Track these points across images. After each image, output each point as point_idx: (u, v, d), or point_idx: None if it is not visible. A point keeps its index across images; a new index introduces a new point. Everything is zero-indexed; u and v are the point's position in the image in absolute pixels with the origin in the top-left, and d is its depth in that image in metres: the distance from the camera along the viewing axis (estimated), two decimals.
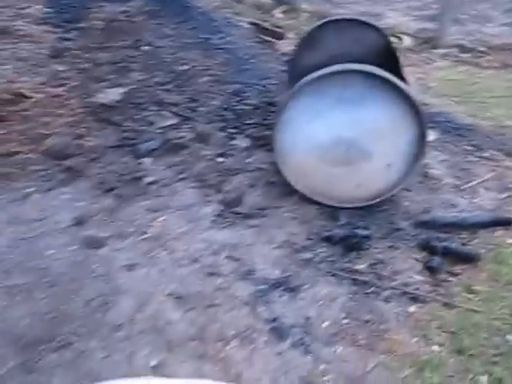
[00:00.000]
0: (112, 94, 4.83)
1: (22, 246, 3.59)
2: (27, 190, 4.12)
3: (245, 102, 4.96)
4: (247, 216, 3.87)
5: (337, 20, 4.65)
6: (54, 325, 2.99)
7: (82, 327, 2.98)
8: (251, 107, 4.91)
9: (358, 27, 4.59)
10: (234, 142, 4.64)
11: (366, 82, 3.49)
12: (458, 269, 3.39)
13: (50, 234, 3.71)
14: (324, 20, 4.61)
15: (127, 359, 2.80)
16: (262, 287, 3.26)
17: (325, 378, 2.72)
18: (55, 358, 2.80)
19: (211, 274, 3.35)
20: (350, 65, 3.54)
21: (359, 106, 3.57)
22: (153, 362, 2.79)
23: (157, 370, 2.74)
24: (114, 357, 2.81)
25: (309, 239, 3.64)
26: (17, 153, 4.38)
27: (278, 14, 7.37)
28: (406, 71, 4.76)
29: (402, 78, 3.97)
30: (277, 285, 3.27)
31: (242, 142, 4.62)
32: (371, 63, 3.69)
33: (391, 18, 7.90)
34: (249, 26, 6.31)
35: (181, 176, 4.29)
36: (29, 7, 5.88)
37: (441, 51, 7.13)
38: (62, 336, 2.91)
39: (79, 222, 3.80)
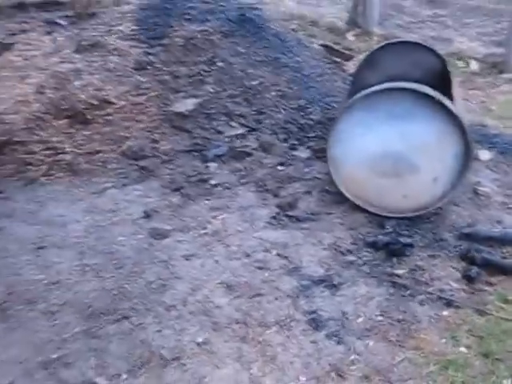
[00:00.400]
0: (187, 104, 5.27)
1: (97, 232, 4.05)
2: (105, 185, 4.62)
3: (308, 116, 5.26)
4: (299, 219, 4.15)
5: (397, 43, 4.89)
6: (116, 300, 3.38)
7: (141, 304, 3.35)
8: (314, 122, 5.21)
9: (416, 50, 4.80)
10: (294, 152, 4.95)
11: (414, 99, 3.72)
12: (494, 280, 3.51)
13: (122, 224, 4.16)
14: (385, 42, 4.87)
15: (177, 334, 3.14)
16: (306, 283, 3.52)
17: (353, 367, 2.94)
18: (114, 328, 3.18)
19: (260, 268, 3.66)
20: (400, 83, 3.78)
21: (408, 122, 3.80)
22: (199, 339, 3.11)
23: (202, 347, 3.06)
24: (166, 331, 3.16)
25: (354, 244, 3.87)
26: (99, 152, 4.91)
27: (350, 36, 7.66)
28: (469, 94, 4.93)
29: (451, 99, 4.14)
30: (319, 282, 3.53)
31: (302, 153, 4.92)
32: (426, 84, 3.91)
33: (460, 43, 7.99)
34: (319, 47, 6.63)
35: (242, 180, 4.64)
36: (120, 25, 6.50)
37: (507, 76, 7.16)
38: (122, 310, 3.30)
39: (148, 215, 4.22)
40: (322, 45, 6.64)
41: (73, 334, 3.15)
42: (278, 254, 3.79)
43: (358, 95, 3.86)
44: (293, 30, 7.24)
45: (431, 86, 3.87)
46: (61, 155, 4.84)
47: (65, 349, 3.04)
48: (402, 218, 4.04)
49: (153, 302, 3.38)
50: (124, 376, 2.90)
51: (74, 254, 3.81)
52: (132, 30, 6.31)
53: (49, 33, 7.54)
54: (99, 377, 2.89)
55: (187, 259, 3.76)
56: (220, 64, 5.59)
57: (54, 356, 3.00)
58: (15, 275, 3.60)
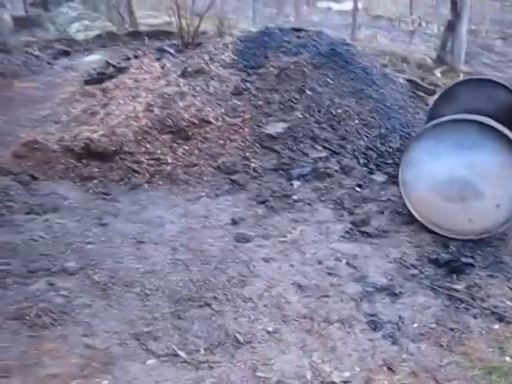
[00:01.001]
0: (277, 127, 5.82)
1: (189, 233, 4.63)
2: (200, 194, 5.23)
3: (388, 144, 5.65)
4: (370, 235, 4.54)
5: (475, 79, 5.20)
6: (201, 290, 3.91)
7: (222, 295, 3.85)
8: (392, 150, 5.59)
9: (492, 86, 5.09)
10: (372, 176, 5.35)
11: (481, 131, 4.04)
12: None
13: (211, 228, 4.72)
14: (463, 78, 5.19)
15: (251, 322, 3.60)
16: (369, 289, 3.89)
17: (404, 364, 3.27)
18: (197, 312, 3.70)
19: (330, 274, 4.07)
20: (467, 115, 4.12)
21: (474, 152, 4.13)
22: (269, 328, 3.55)
23: (271, 334, 3.51)
24: (241, 319, 3.63)
25: (418, 260, 4.21)
26: (196, 165, 5.54)
27: (437, 73, 7.96)
28: None
29: None
30: (382, 289, 3.89)
31: (379, 177, 5.31)
32: (497, 118, 4.23)
33: None
34: (405, 81, 7.01)
35: (322, 198, 5.09)
36: (222, 54, 7.23)
37: None
38: (205, 298, 3.82)
39: (235, 222, 4.76)
40: (407, 79, 7.01)
41: (162, 313, 3.70)
42: (348, 263, 4.19)
43: (428, 125, 4.23)
44: (383, 65, 7.68)
45: (502, 120, 4.17)
46: (163, 166, 5.52)
47: (154, 325, 3.58)
48: (465, 240, 4.33)
49: (233, 294, 3.87)
50: (202, 352, 3.38)
51: (168, 250, 4.40)
52: (232, 59, 7.00)
53: (158, 59, 8.44)
54: (181, 350, 3.39)
55: (266, 261, 4.24)
56: (309, 93, 6.11)
57: (145, 330, 3.54)
58: (117, 263, 4.23)
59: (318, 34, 7.37)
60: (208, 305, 3.77)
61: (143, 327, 3.57)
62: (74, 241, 4.47)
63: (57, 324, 3.59)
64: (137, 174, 5.45)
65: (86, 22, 17.22)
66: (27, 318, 3.61)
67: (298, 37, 7.14)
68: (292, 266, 4.18)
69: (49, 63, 11.17)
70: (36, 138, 5.96)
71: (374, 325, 3.57)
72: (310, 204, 5.03)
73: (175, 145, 5.72)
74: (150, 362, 3.32)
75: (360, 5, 10.74)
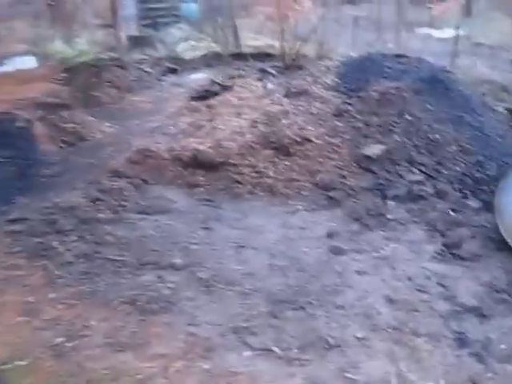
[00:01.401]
0: (374, 149, 6.03)
1: (286, 242, 4.93)
2: (297, 207, 5.53)
3: (484, 172, 5.70)
4: (462, 258, 4.64)
5: None
6: (296, 294, 4.18)
7: (316, 301, 4.11)
8: (489, 177, 5.63)
9: None
10: (466, 201, 5.43)
11: None
12: None
13: (307, 239, 4.99)
14: None
15: (341, 328, 3.83)
16: (458, 309, 4.01)
17: (489, 383, 3.39)
18: (292, 314, 3.98)
19: (419, 291, 4.23)
20: None
21: None
22: (359, 335, 3.77)
23: (360, 341, 3.72)
24: (333, 324, 3.87)
25: (509, 285, 4.27)
26: (296, 180, 5.85)
27: None
28: None
29: None
30: (471, 310, 4.00)
31: (473, 202, 5.39)
32: None
33: None
34: (504, 110, 7.01)
35: (415, 219, 5.24)
36: (324, 77, 7.57)
37: None
38: (300, 302, 4.08)
39: (330, 236, 5.02)
40: (507, 108, 7.02)
41: (259, 312, 4.01)
42: (438, 283, 4.32)
43: None
44: (483, 93, 7.70)
45: None
46: (264, 178, 5.87)
47: (251, 321, 3.89)
48: None
49: (326, 300, 4.11)
50: (295, 350, 3.65)
51: (266, 256, 4.72)
52: (334, 82, 7.30)
53: (260, 79, 8.86)
54: (275, 347, 3.68)
55: (358, 274, 4.45)
56: (408, 117, 6.28)
57: (243, 325, 3.86)
58: (219, 263, 4.59)
59: (418, 61, 7.53)
60: (302, 308, 4.03)
61: (241, 322, 3.89)
62: (181, 240, 4.90)
63: (164, 312, 4.00)
64: (239, 185, 5.83)
65: (193, 43, 18.14)
66: (138, 303, 4.05)
67: (399, 63, 7.33)
68: (383, 280, 4.37)
69: (158, 79, 11.93)
70: (148, 147, 6.49)
71: (461, 342, 3.69)
72: (403, 224, 5.19)
73: (277, 160, 6.06)
74: (247, 353, 3.64)
75: (461, 32, 10.72)
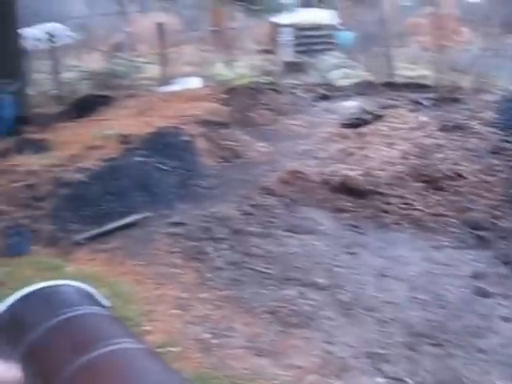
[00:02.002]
0: None
1: (429, 277, 4.88)
2: (443, 243, 5.44)
3: None
4: None
5: None
6: (435, 330, 4.13)
7: (455, 340, 4.02)
8: None
9: None
10: None
11: None
12: None
13: (451, 276, 4.90)
14: None
15: (481, 373, 3.71)
16: None
17: None
18: (429, 349, 3.93)
19: None
20: None
21: None
22: (498, 383, 3.64)
23: None
24: (471, 367, 3.75)
25: None
26: (444, 215, 5.77)
27: None
28: None
29: None
30: None
31: None
32: None
33: None
34: None
35: None
36: (481, 112, 7.39)
37: None
38: (438, 338, 4.03)
39: (475, 276, 4.88)
40: None
41: (395, 341, 4.01)
42: None
43: None
44: None
45: None
46: (411, 211, 5.85)
47: (387, 349, 3.91)
48: None
49: (466, 341, 4.01)
50: None
51: (407, 288, 4.70)
52: (492, 118, 7.10)
53: (414, 110, 8.82)
54: (409, 378, 3.66)
55: (504, 320, 4.27)
56: None
57: (378, 351, 3.90)
58: (360, 288, 4.67)
59: None
60: (441, 345, 3.97)
61: (377, 349, 3.93)
62: (324, 261, 5.05)
63: (303, 326, 4.16)
64: (386, 214, 5.86)
65: (346, 70, 18.39)
66: (279, 314, 4.26)
67: None
68: None
69: (311, 105, 12.27)
70: (299, 169, 6.75)
71: None
72: None
73: (426, 193, 6.02)
74: (379, 380, 3.67)
75: None
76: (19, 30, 10.18)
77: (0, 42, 9.40)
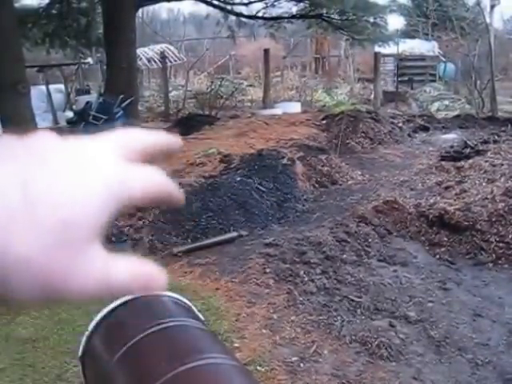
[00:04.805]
0: None
1: None
2: None
3: None
4: None
5: None
6: None
7: None
8: None
9: None
10: None
11: None
12: None
13: None
14: None
15: None
16: None
17: None
18: None
19: None
20: None
21: None
22: None
23: None
24: None
25: None
26: None
27: None
28: None
29: None
30: None
31: None
32: None
33: None
34: None
35: None
36: None
37: None
38: None
39: None
40: None
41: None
42: None
43: None
44: None
45: None
46: (511, 250, 5.66)
47: None
48: None
49: None
50: None
51: (505, 331, 4.54)
52: None
53: None
54: None
55: None
56: None
57: None
58: (453, 326, 4.55)
59: None
60: None
61: None
62: (417, 295, 4.97)
63: (392, 359, 4.11)
64: (483, 252, 5.70)
65: (446, 102, 18.07)
66: (369, 345, 4.23)
67: None
68: None
69: (409, 135, 12.15)
70: (396, 199, 6.70)
71: None
72: None
73: None
74: None
75: None
76: (136, 51, 10.91)
77: (116, 61, 10.10)
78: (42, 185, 0.40)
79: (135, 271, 0.45)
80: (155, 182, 0.46)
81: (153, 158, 0.49)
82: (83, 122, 10.26)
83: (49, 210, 0.40)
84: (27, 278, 0.39)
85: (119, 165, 0.44)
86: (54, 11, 13.66)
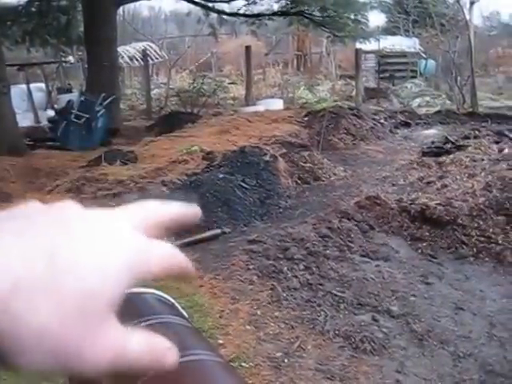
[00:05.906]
0: None
1: (509, 314, 4.73)
2: None
3: None
4: None
5: None
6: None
7: None
8: None
9: None
10: None
11: None
12: None
13: None
14: None
15: None
16: None
17: None
18: None
19: None
20: None
21: None
22: None
23: None
24: None
25: None
26: None
27: None
28: None
29: None
30: None
31: None
32: None
33: None
34: None
35: None
36: None
37: None
38: None
39: None
40: None
41: (470, 379, 3.91)
42: None
43: None
44: None
45: None
46: (492, 244, 5.72)
47: None
48: None
49: None
50: None
51: (485, 324, 4.59)
52: None
53: (497, 142, 8.60)
54: None
55: None
56: None
57: None
58: (435, 320, 4.60)
59: None
60: None
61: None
62: (400, 289, 5.01)
63: (375, 353, 4.14)
64: (464, 246, 5.76)
65: (427, 98, 18.23)
66: (352, 340, 4.26)
67: None
68: None
69: (391, 131, 12.23)
70: (378, 194, 6.75)
71: None
72: None
73: (508, 228, 5.86)
74: None
75: None
76: (117, 49, 10.87)
77: (98, 59, 10.05)
78: (67, 255, 0.40)
79: (150, 345, 0.45)
80: (171, 257, 0.47)
81: (169, 230, 0.50)
82: (65, 120, 10.20)
83: (72, 281, 0.40)
84: (42, 348, 0.39)
85: (138, 238, 0.45)
86: (33, 9, 13.56)
